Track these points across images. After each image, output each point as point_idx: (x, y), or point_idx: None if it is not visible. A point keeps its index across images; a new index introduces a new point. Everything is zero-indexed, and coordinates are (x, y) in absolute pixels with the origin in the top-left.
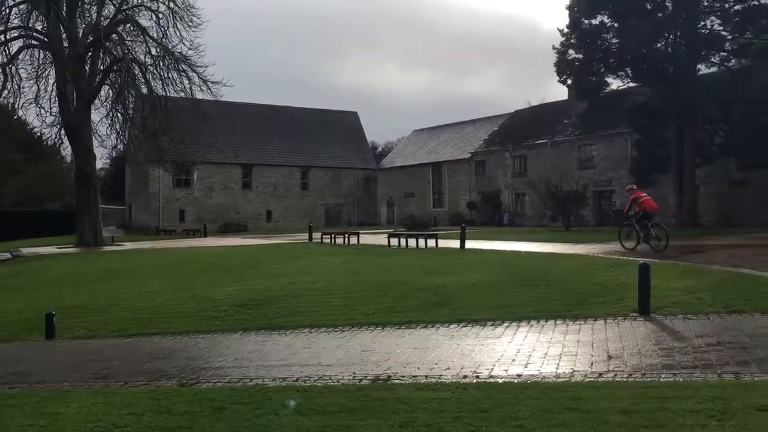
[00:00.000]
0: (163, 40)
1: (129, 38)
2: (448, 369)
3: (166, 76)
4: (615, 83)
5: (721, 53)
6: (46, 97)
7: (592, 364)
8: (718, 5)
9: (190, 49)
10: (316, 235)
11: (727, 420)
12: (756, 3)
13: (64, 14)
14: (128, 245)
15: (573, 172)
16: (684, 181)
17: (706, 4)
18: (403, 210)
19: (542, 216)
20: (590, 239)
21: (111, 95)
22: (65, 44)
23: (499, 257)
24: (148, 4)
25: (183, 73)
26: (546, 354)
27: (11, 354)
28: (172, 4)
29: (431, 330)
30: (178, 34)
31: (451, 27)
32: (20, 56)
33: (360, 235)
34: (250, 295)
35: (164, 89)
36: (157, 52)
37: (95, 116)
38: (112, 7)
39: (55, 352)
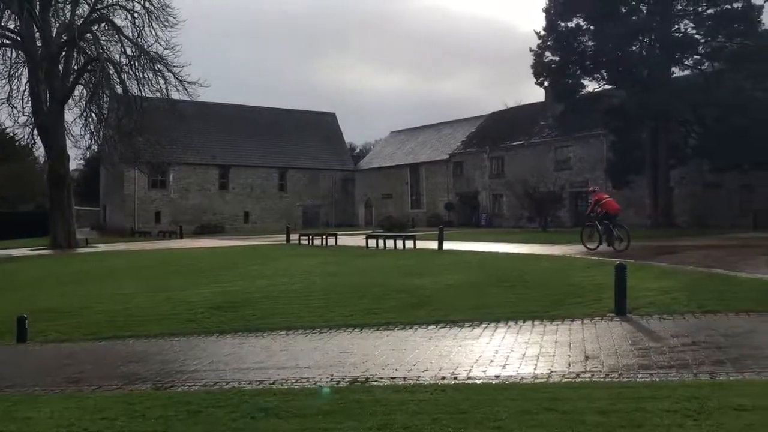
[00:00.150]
0: (139, 39)
1: (104, 38)
2: (426, 370)
3: (141, 75)
4: (591, 85)
5: (695, 56)
6: (19, 97)
7: (569, 364)
8: (691, 9)
9: (166, 48)
10: (294, 237)
11: (703, 420)
12: (728, 7)
13: (37, 13)
14: (102, 247)
15: (550, 173)
16: (659, 182)
17: (679, 7)
18: (381, 211)
19: (519, 217)
20: (567, 240)
21: (85, 95)
22: (38, 43)
23: (477, 258)
24: (123, 4)
25: (159, 73)
26: (524, 355)
27: None
28: (147, 4)
29: (409, 331)
30: (153, 33)
31: (428, 30)
32: None
33: (338, 237)
34: (226, 297)
35: (140, 89)
36: (132, 51)
37: (69, 116)
38: (87, 6)
39: (27, 356)
